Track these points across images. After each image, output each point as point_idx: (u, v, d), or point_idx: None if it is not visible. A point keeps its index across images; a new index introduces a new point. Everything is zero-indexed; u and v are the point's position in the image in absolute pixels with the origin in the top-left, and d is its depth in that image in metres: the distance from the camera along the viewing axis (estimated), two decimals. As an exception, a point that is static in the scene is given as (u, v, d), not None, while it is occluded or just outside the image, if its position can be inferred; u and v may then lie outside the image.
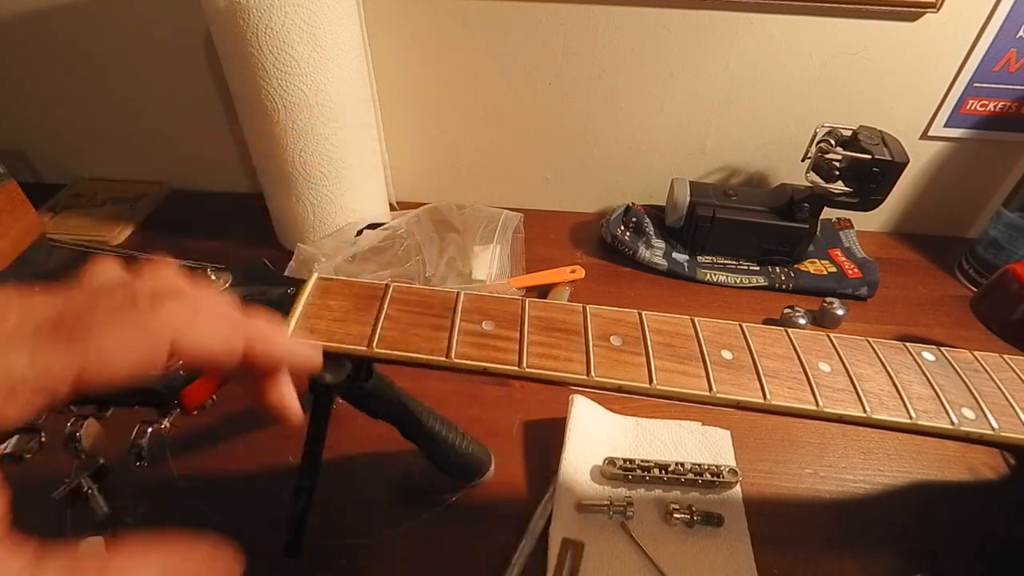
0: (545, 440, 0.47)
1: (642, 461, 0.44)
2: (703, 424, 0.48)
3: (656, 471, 0.44)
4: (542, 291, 0.63)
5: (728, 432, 0.48)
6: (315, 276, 0.32)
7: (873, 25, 0.60)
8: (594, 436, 0.47)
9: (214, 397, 0.33)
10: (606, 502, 0.42)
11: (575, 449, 0.45)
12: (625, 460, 0.44)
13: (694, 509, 0.42)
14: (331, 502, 0.42)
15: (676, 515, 0.41)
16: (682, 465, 0.44)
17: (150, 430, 0.30)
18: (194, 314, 0.19)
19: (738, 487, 0.44)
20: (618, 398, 0.49)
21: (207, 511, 0.43)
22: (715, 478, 0.43)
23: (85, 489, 0.43)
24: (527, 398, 0.51)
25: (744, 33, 0.62)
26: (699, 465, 0.44)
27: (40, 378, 0.16)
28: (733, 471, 0.44)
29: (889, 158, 0.57)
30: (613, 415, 0.49)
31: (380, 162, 0.69)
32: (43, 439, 0.29)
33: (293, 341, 0.23)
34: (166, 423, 0.30)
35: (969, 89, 0.63)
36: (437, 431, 0.40)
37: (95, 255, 0.20)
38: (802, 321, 0.57)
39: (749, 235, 0.65)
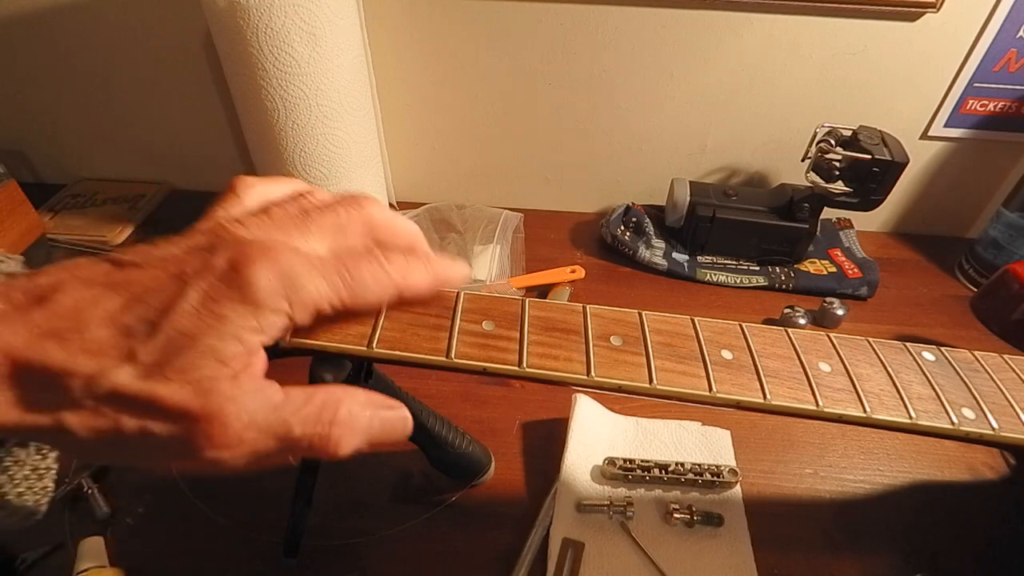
0: (545, 440, 0.47)
1: (642, 461, 0.44)
2: (703, 424, 0.48)
3: (656, 471, 0.44)
4: (542, 291, 0.63)
5: (728, 432, 0.48)
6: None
7: (873, 25, 0.60)
8: (595, 436, 0.47)
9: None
10: (606, 502, 0.42)
11: (577, 448, 0.45)
12: (625, 460, 0.44)
13: (694, 509, 0.42)
14: (331, 502, 0.42)
15: (676, 515, 0.42)
16: (682, 465, 0.44)
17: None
18: (407, 264, 0.24)
19: (738, 487, 0.44)
20: (618, 398, 0.49)
21: (207, 511, 0.43)
22: (715, 478, 0.43)
23: (85, 489, 0.43)
24: (527, 398, 0.51)
25: (744, 33, 0.62)
26: (699, 465, 0.44)
27: (333, 301, 0.21)
28: (733, 471, 0.44)
29: (889, 158, 0.57)
30: (614, 415, 0.49)
31: (380, 162, 0.69)
32: (43, 439, 0.29)
33: (450, 262, 0.26)
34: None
35: (969, 89, 0.63)
36: (437, 431, 0.40)
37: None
38: (802, 321, 0.57)
39: (749, 235, 0.65)
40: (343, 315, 0.23)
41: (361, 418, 0.23)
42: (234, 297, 0.19)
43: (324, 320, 0.24)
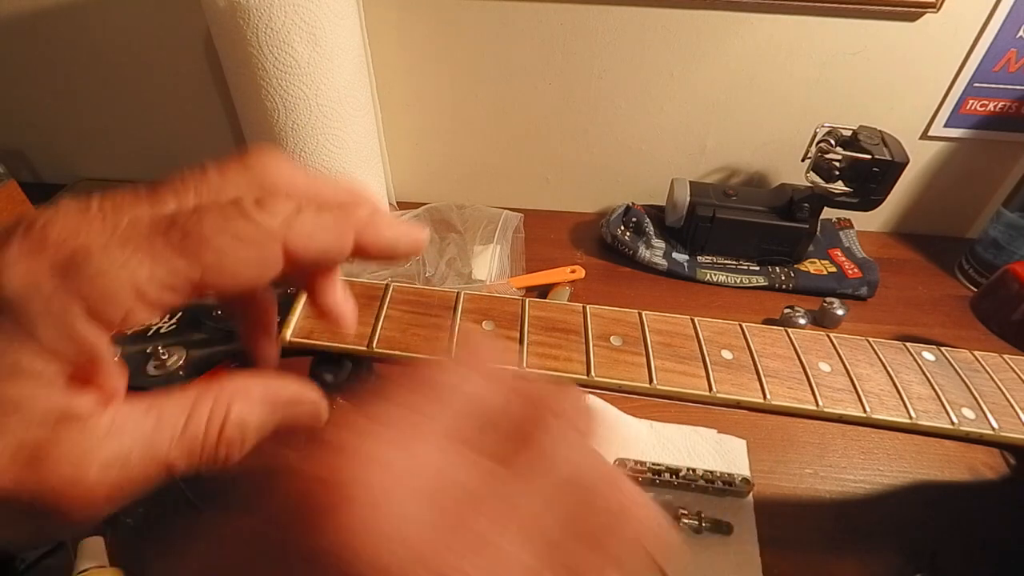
0: (545, 440, 0.47)
1: (653, 464, 0.44)
2: (719, 432, 0.48)
3: (667, 475, 0.43)
4: (542, 291, 0.63)
5: (744, 442, 0.47)
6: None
7: (873, 25, 0.60)
8: (606, 437, 0.47)
9: (214, 397, 0.33)
10: (611, 503, 0.42)
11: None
12: (637, 462, 0.44)
13: (703, 516, 0.42)
14: (331, 502, 0.42)
15: (684, 520, 0.41)
16: (693, 471, 0.44)
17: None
18: (298, 212, 0.18)
19: (750, 497, 0.44)
20: (618, 398, 0.48)
21: (207, 511, 0.43)
22: (727, 486, 0.43)
23: (85, 489, 0.43)
24: (527, 398, 0.51)
25: (744, 33, 0.62)
26: (711, 472, 0.44)
27: (165, 278, 0.16)
28: (746, 480, 0.43)
29: (889, 158, 0.57)
30: (628, 417, 0.49)
31: (380, 162, 0.69)
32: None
33: (397, 222, 0.20)
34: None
35: (969, 89, 0.63)
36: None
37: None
38: (802, 321, 0.57)
39: (749, 235, 0.65)
40: (228, 292, 0.17)
41: (253, 423, 0.18)
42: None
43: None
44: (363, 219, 0.19)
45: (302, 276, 0.23)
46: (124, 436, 0.16)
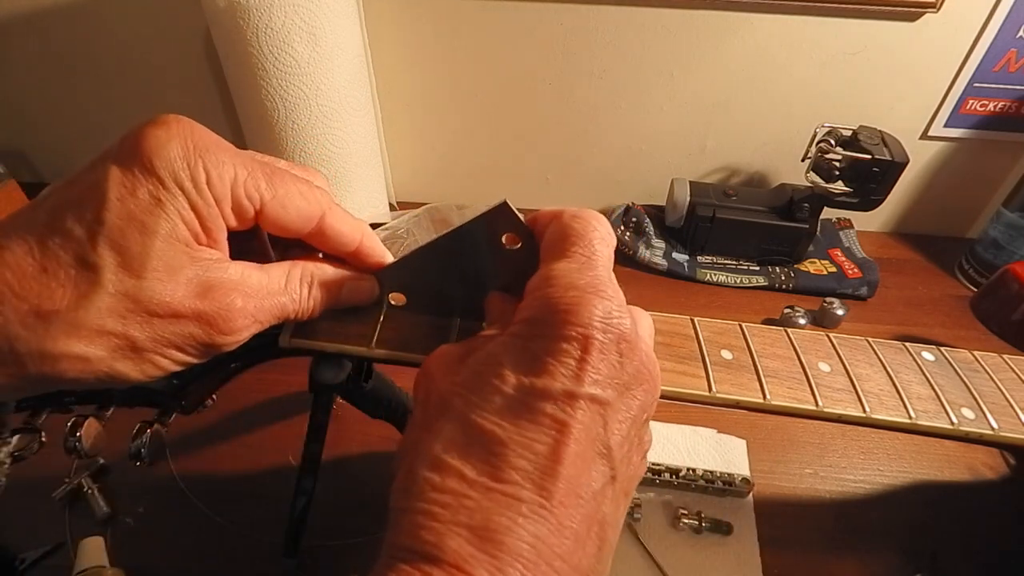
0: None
1: (653, 464, 0.44)
2: (719, 432, 0.48)
3: (667, 475, 0.43)
4: (542, 291, 0.63)
5: (744, 442, 0.47)
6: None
7: (873, 25, 0.60)
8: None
9: (214, 397, 0.33)
10: (611, 503, 0.42)
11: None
12: None
13: (703, 515, 0.42)
14: (331, 502, 0.42)
15: (684, 520, 0.41)
16: (693, 471, 0.44)
17: (150, 430, 0.30)
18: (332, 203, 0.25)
19: (750, 497, 0.44)
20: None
21: (207, 511, 0.43)
22: (727, 486, 0.43)
23: (85, 489, 0.43)
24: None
25: (744, 33, 0.62)
26: (711, 472, 0.44)
27: (251, 187, 0.23)
28: (746, 480, 0.44)
29: (889, 158, 0.57)
30: None
31: (380, 162, 0.69)
32: (43, 439, 0.29)
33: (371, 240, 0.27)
34: (166, 422, 0.30)
35: (969, 89, 0.63)
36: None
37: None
38: (802, 321, 0.57)
39: (749, 235, 0.65)
40: (273, 231, 0.24)
41: (330, 287, 0.26)
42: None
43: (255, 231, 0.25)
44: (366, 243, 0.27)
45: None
46: (251, 279, 0.23)
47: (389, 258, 0.28)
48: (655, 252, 0.67)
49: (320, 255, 0.27)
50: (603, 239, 0.23)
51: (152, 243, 0.20)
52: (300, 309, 0.25)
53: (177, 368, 0.23)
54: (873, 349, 0.32)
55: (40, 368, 0.20)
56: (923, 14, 0.59)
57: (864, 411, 0.29)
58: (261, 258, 0.26)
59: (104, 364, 0.21)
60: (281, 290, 0.24)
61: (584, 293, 0.20)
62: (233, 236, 0.24)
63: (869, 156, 0.57)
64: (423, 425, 0.21)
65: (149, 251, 0.20)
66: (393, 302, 0.30)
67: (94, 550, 0.39)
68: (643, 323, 0.23)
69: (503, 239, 0.25)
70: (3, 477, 0.27)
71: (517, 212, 0.24)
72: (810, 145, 0.62)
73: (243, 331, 0.23)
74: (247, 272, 0.23)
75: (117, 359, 0.21)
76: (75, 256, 0.20)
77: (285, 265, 0.25)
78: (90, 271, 0.20)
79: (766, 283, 0.65)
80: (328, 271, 0.26)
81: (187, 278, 0.21)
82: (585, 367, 0.19)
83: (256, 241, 0.26)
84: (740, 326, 0.32)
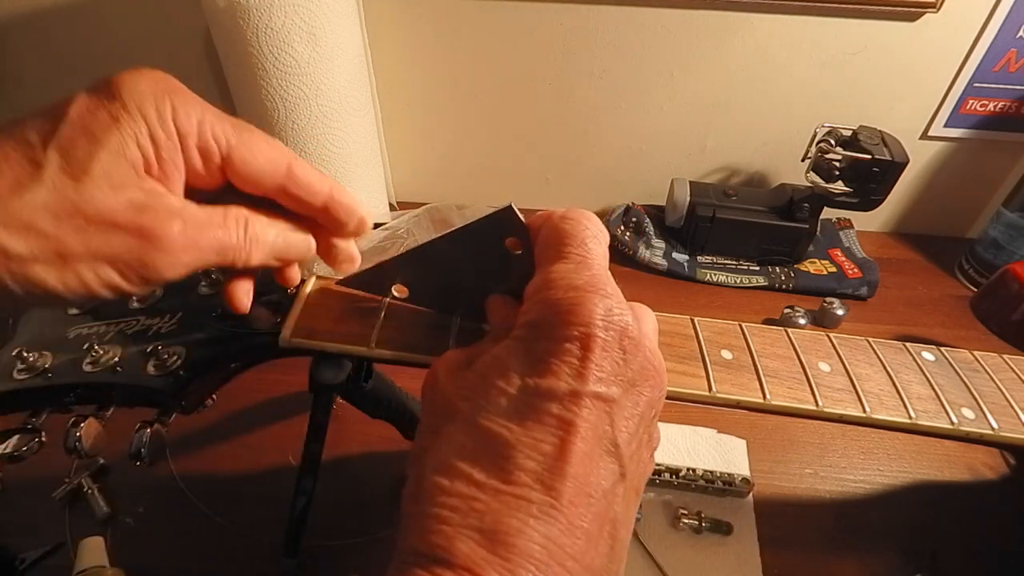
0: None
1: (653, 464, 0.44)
2: (719, 432, 0.48)
3: (667, 475, 0.43)
4: (542, 291, 0.63)
5: (744, 442, 0.47)
6: (315, 276, 0.32)
7: (873, 25, 0.60)
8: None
9: (214, 397, 0.33)
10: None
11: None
12: None
13: (703, 516, 0.42)
14: (331, 502, 0.42)
15: (684, 520, 0.41)
16: (693, 471, 0.44)
17: (150, 430, 0.30)
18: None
19: (750, 497, 0.44)
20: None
21: (207, 511, 0.43)
22: (727, 486, 0.43)
23: (85, 489, 0.43)
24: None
25: (744, 33, 0.62)
26: (711, 472, 0.44)
27: (214, 128, 0.23)
28: (746, 480, 0.44)
29: (889, 158, 0.57)
30: None
31: (380, 162, 0.69)
32: (43, 439, 0.29)
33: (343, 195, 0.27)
34: (166, 422, 0.30)
35: (969, 89, 0.63)
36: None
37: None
38: (802, 321, 0.57)
39: (749, 235, 0.65)
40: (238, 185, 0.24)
41: (267, 234, 0.25)
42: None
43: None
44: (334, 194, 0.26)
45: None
46: (190, 208, 0.22)
47: (362, 209, 0.27)
48: (655, 252, 0.67)
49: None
50: (595, 237, 0.23)
51: (98, 152, 0.20)
52: (237, 247, 0.24)
53: (103, 291, 0.22)
54: (873, 349, 0.32)
55: None
56: (923, 14, 0.59)
57: (864, 411, 0.29)
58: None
59: (25, 265, 0.20)
60: (220, 224, 0.23)
61: (583, 292, 0.20)
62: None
63: (869, 156, 0.57)
64: (431, 430, 0.21)
65: (93, 158, 0.20)
66: (396, 294, 0.30)
67: (94, 550, 0.39)
68: (646, 320, 0.23)
69: (506, 243, 0.25)
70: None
71: (522, 217, 0.24)
72: (810, 145, 0.62)
73: (181, 254, 0.22)
74: (187, 204, 0.23)
75: (39, 262, 0.20)
76: (24, 156, 0.20)
77: (222, 206, 0.24)
78: (33, 167, 0.20)
79: (766, 283, 0.65)
80: (264, 217, 0.25)
81: (128, 197, 0.21)
82: (588, 365, 0.19)
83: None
84: (740, 326, 0.32)
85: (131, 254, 0.21)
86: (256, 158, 0.24)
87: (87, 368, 0.28)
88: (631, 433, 0.20)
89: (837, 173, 0.60)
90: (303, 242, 0.27)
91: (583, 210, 0.24)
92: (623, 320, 0.20)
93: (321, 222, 0.27)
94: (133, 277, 0.22)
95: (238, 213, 0.24)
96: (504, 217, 0.24)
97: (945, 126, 0.66)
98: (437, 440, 0.20)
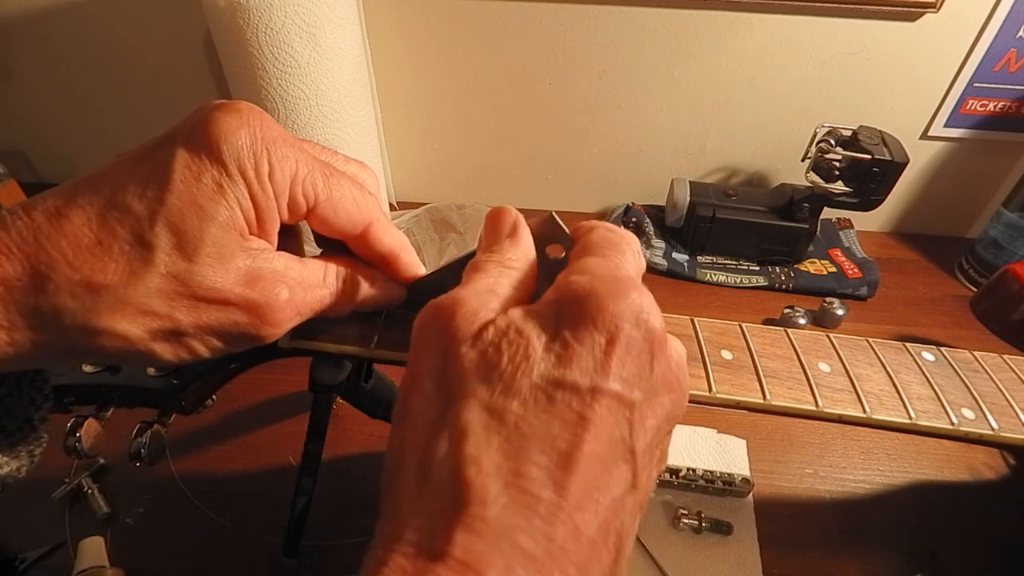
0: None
1: None
2: (719, 432, 0.48)
3: (667, 475, 0.43)
4: (542, 291, 0.63)
5: (744, 441, 0.47)
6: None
7: (873, 25, 0.60)
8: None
9: (214, 397, 0.33)
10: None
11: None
12: None
13: (703, 515, 0.42)
14: (331, 502, 0.42)
15: (684, 520, 0.41)
16: (693, 471, 0.44)
17: (150, 430, 0.30)
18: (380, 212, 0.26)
19: (750, 497, 0.44)
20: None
21: (207, 511, 0.43)
22: (727, 486, 0.43)
23: (85, 489, 0.43)
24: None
25: (744, 33, 0.62)
26: (711, 472, 0.44)
27: (305, 184, 0.23)
28: (746, 480, 0.44)
29: (889, 158, 0.57)
30: None
31: (380, 162, 0.69)
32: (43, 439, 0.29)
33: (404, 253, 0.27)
34: (166, 422, 0.30)
35: (969, 89, 0.63)
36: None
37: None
38: (802, 321, 0.57)
39: (749, 235, 0.65)
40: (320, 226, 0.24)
41: (360, 291, 0.26)
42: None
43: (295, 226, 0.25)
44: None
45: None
46: (294, 271, 0.23)
47: (422, 271, 0.28)
48: (655, 252, 0.67)
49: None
50: (636, 254, 0.22)
51: (208, 228, 0.20)
52: (337, 303, 0.25)
53: (208, 355, 0.23)
54: (873, 349, 0.32)
55: (79, 339, 0.20)
56: (923, 14, 0.59)
57: (864, 411, 0.29)
58: (293, 253, 0.26)
59: (142, 344, 0.21)
60: (320, 283, 0.24)
61: (618, 284, 0.19)
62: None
63: (869, 156, 0.57)
64: (435, 400, 0.19)
65: (204, 236, 0.20)
66: None
67: (94, 550, 0.39)
68: (675, 342, 0.22)
69: (546, 250, 0.25)
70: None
71: (562, 224, 0.25)
72: (810, 145, 0.62)
73: (287, 323, 0.23)
74: (290, 264, 0.23)
75: (156, 340, 0.21)
76: (132, 232, 0.20)
77: (320, 260, 0.25)
78: (144, 249, 0.20)
79: (766, 283, 0.65)
80: (361, 270, 0.26)
81: (237, 267, 0.21)
82: (610, 360, 0.18)
83: (292, 236, 0.26)
84: (740, 326, 0.32)
85: (241, 327, 0.22)
86: (339, 216, 0.24)
87: (87, 369, 0.28)
88: (647, 443, 0.18)
89: (837, 173, 0.60)
90: (399, 295, 0.28)
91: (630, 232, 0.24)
92: (654, 322, 0.19)
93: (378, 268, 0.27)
94: (240, 343, 0.23)
95: (338, 269, 0.25)
96: (546, 226, 0.25)
97: (945, 126, 0.66)
98: (442, 418, 0.19)
